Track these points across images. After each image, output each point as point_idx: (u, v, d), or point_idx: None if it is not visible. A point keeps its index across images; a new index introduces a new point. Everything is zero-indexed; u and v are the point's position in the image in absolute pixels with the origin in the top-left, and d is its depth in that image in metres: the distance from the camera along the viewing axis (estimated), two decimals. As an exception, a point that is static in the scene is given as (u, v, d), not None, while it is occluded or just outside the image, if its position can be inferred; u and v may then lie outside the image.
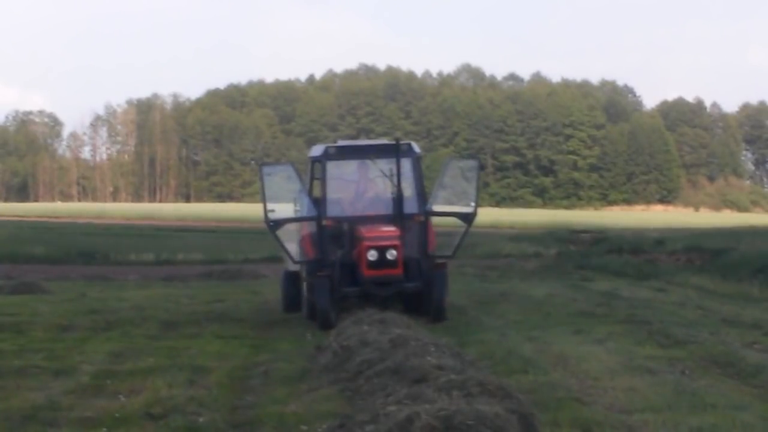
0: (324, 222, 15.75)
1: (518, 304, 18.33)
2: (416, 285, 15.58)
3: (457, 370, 8.64)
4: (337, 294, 15.35)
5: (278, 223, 15.58)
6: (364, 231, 15.48)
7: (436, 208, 16.27)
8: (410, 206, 16.08)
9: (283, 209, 15.99)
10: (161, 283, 24.86)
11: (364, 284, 15.39)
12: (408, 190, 16.27)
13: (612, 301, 18.64)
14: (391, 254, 15.24)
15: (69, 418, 8.70)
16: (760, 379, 10.29)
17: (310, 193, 16.34)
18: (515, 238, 47.33)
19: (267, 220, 15.38)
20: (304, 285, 16.20)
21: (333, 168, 16.41)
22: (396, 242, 15.31)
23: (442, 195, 16.59)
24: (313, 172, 16.70)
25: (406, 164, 16.30)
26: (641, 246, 36.71)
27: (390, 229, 15.52)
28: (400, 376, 8.75)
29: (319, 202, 16.05)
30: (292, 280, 17.02)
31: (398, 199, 15.84)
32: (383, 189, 16.48)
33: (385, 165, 16.20)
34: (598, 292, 20.86)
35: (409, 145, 16.60)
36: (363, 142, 18.03)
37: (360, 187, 16.99)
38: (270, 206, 15.36)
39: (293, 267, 16.66)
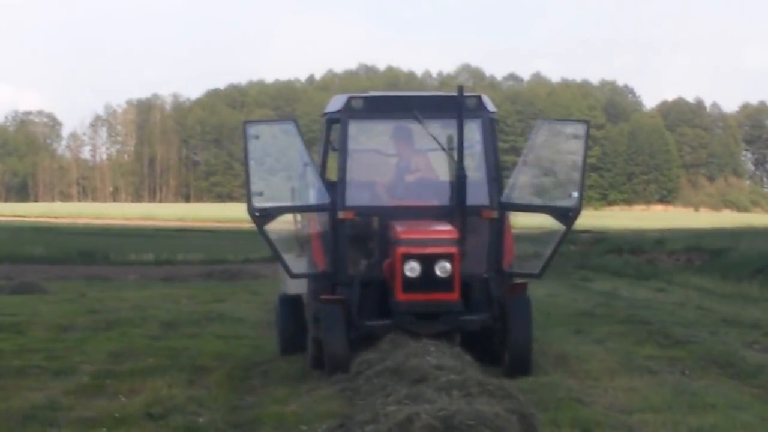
0: (341, 215, 10.60)
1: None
2: (482, 318, 10.44)
3: (457, 370, 8.62)
4: (356, 330, 10.28)
5: (269, 214, 10.55)
6: (400, 230, 10.27)
7: (517, 198, 10.96)
8: (477, 195, 10.67)
9: (279, 192, 11.34)
10: (161, 283, 24.86)
11: (399, 315, 10.18)
12: (475, 169, 11.09)
13: (612, 301, 18.66)
14: (443, 268, 10.11)
15: (69, 418, 8.69)
16: (760, 379, 10.29)
17: (323, 169, 11.35)
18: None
19: (252, 208, 10.42)
20: (309, 314, 11.11)
21: (357, 131, 11.35)
22: (452, 249, 10.15)
23: (529, 178, 11.15)
24: (329, 138, 11.41)
25: (474, 128, 11.02)
26: (641, 246, 36.73)
27: (442, 229, 10.39)
28: (400, 376, 8.72)
29: (334, 185, 10.89)
30: (291, 308, 11.86)
31: (459, 184, 10.51)
32: (436, 167, 11.56)
33: (440, 129, 11.12)
34: (598, 292, 20.88)
35: (479, 99, 11.06)
36: (405, 92, 12.25)
37: (400, 163, 11.57)
38: (257, 187, 10.51)
39: (293, 289, 11.71)
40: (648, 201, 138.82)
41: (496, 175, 10.95)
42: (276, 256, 10.87)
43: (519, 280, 10.94)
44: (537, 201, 11.10)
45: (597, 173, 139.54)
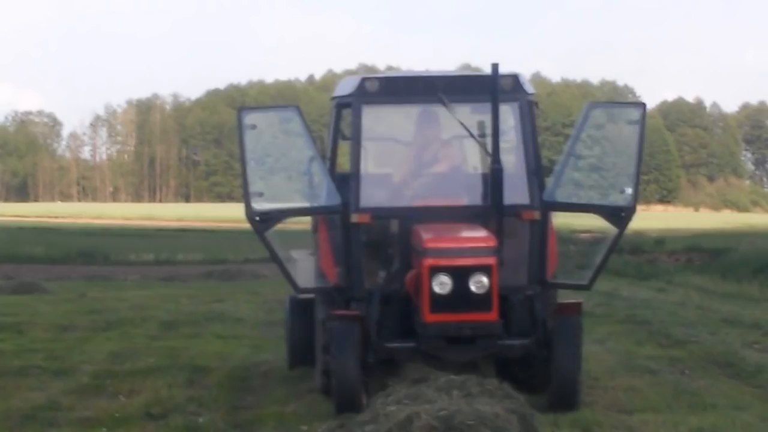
0: (355, 218, 9.03)
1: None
2: (523, 343, 8.85)
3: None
4: (374, 353, 8.77)
5: (270, 218, 8.91)
6: (427, 238, 8.67)
7: (562, 196, 9.36)
8: (515, 192, 9.07)
9: (281, 192, 9.55)
10: (161, 283, 24.86)
11: (426, 339, 8.62)
12: (512, 162, 9.39)
13: (612, 301, 18.68)
14: (479, 283, 8.50)
15: (69, 418, 8.71)
16: (760, 379, 10.31)
17: (332, 163, 9.71)
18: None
19: (251, 211, 8.78)
20: (318, 339, 9.49)
21: (373, 118, 9.60)
22: (489, 260, 8.52)
23: (575, 173, 9.69)
24: (339, 126, 9.66)
25: (509, 113, 9.34)
26: (641, 246, 36.74)
27: (477, 235, 8.77)
28: (400, 376, 8.73)
29: (345, 178, 9.33)
30: (302, 314, 10.12)
31: (495, 179, 8.87)
32: (466, 159, 9.97)
33: (470, 114, 9.44)
34: (598, 292, 20.85)
35: (516, 78, 9.30)
36: (428, 72, 10.15)
37: (423, 155, 9.78)
38: (256, 186, 8.87)
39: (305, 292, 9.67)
40: (648, 201, 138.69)
41: (537, 168, 9.27)
42: (279, 266, 9.13)
43: (568, 299, 9.33)
44: (584, 199, 9.58)
45: (597, 173, 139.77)
